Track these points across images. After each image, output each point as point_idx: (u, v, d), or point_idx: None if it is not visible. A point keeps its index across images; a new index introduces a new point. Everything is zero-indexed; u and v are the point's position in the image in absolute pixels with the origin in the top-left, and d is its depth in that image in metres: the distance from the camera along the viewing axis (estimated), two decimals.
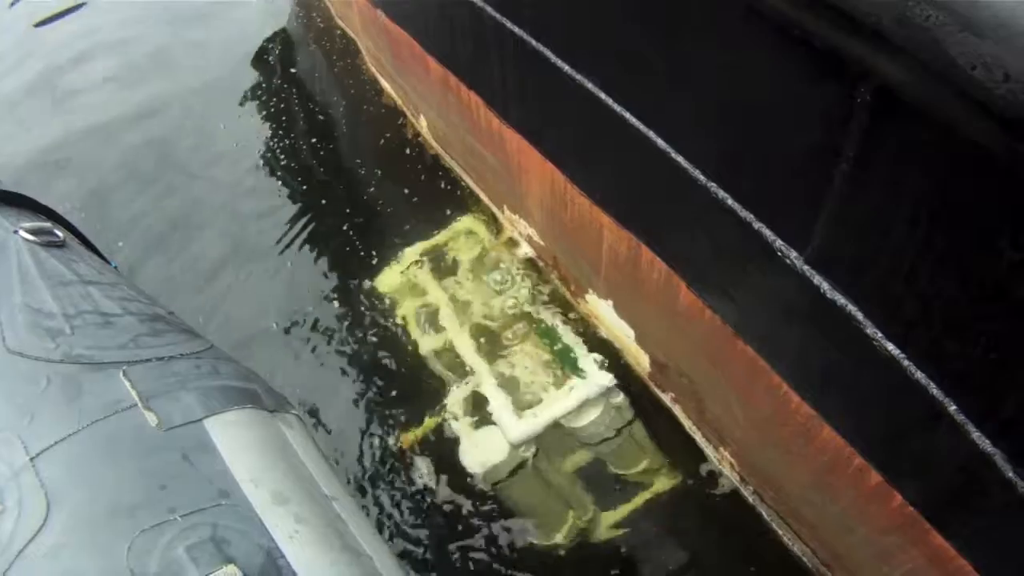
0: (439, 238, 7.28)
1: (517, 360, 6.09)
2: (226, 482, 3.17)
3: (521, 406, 5.75)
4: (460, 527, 5.71)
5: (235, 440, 3.42)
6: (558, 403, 5.65)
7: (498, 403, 5.79)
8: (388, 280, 7.02)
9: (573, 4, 4.12)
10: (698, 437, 5.51)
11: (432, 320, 6.68)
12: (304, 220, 8.01)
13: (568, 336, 6.14)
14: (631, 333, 5.51)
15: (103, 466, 3.12)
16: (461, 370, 6.32)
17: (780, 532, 5.09)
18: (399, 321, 6.79)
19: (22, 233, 4.49)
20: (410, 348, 6.62)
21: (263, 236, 7.90)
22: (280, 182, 8.49)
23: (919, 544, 3.49)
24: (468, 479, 5.76)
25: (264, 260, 7.63)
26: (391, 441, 6.16)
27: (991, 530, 3.14)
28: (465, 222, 7.36)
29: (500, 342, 6.43)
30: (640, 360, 5.64)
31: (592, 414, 5.63)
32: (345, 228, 7.64)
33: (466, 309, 6.60)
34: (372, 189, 8.11)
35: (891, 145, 2.58)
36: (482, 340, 6.35)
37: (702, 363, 4.74)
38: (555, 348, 6.13)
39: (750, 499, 5.23)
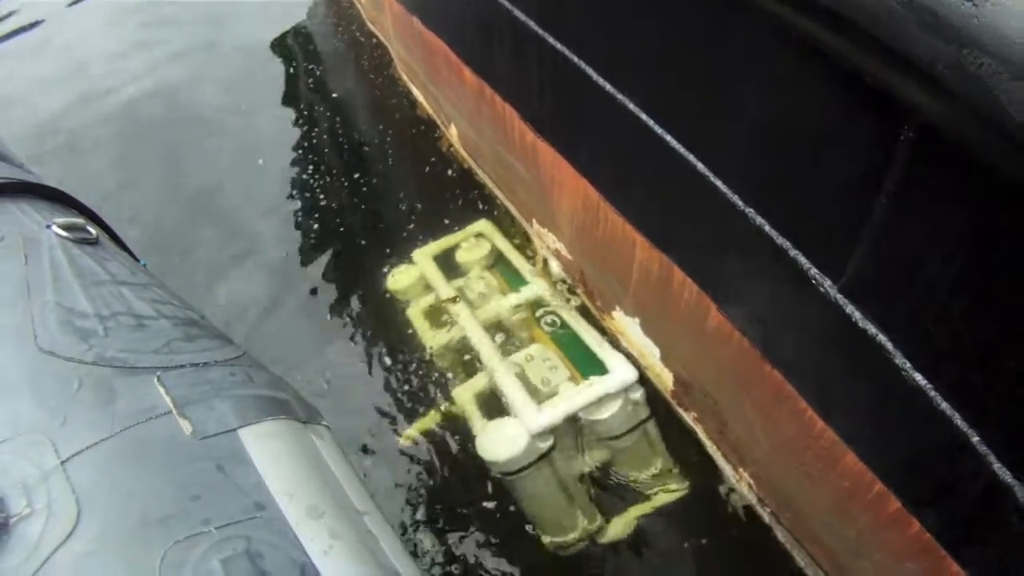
0: (451, 239, 7.31)
1: (533, 355, 6.00)
2: (261, 494, 3.13)
3: (538, 399, 5.65)
4: (464, 521, 5.78)
5: (269, 451, 3.38)
6: (580, 395, 5.51)
7: (515, 394, 5.65)
8: (399, 279, 7.05)
9: (618, 24, 4.13)
10: (718, 456, 5.50)
11: (442, 317, 6.71)
12: (323, 226, 8.15)
13: (588, 333, 6.04)
14: (656, 352, 5.51)
15: (136, 474, 3.08)
16: (472, 366, 6.35)
17: (795, 555, 5.08)
18: (408, 318, 6.85)
19: (55, 228, 4.45)
20: (419, 345, 6.67)
21: (287, 245, 8.07)
22: (302, 190, 8.54)
23: (935, 572, 3.48)
24: (475, 473, 5.77)
25: (279, 264, 7.75)
26: (396, 438, 6.23)
27: (1007, 560, 3.14)
28: (478, 225, 7.39)
29: (514, 339, 6.45)
30: (663, 378, 5.64)
31: (612, 407, 5.50)
32: (364, 236, 7.69)
33: (478, 306, 6.60)
34: (395, 194, 8.16)
35: (933, 183, 2.59)
36: (496, 336, 6.33)
37: (728, 384, 4.75)
38: (574, 345, 6.08)
39: (767, 519, 5.23)
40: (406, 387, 6.72)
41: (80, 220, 4.82)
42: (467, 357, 6.49)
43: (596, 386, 5.51)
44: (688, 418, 5.65)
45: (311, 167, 8.89)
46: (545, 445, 5.44)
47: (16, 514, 2.89)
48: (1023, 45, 2.00)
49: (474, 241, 7.21)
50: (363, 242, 7.77)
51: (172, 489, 3.06)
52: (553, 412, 5.44)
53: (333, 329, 7.26)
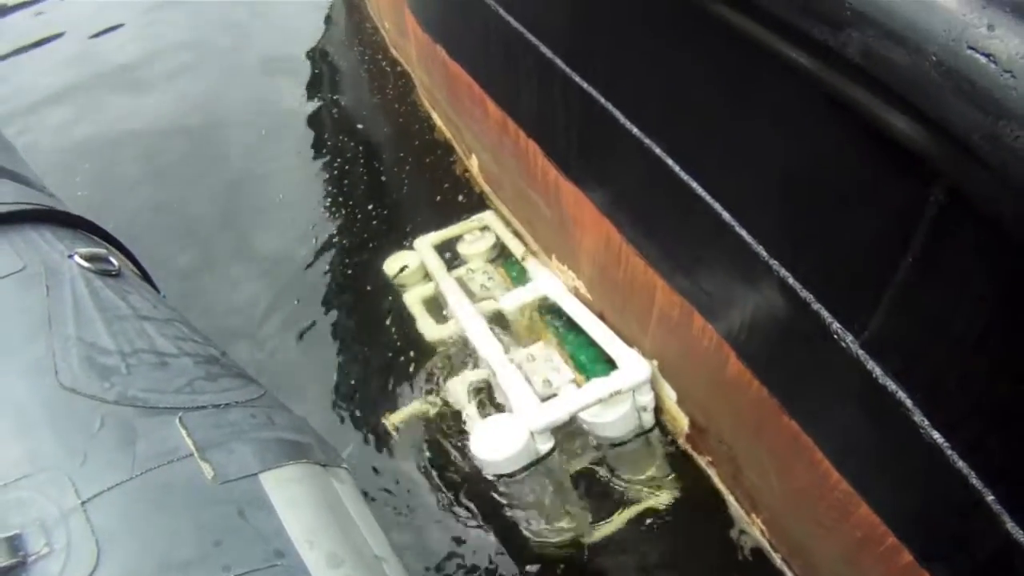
0: (455, 228, 7.29)
1: (535, 355, 5.88)
2: (281, 541, 3.13)
3: (540, 396, 5.44)
4: (447, 516, 5.74)
5: (290, 497, 3.37)
6: (586, 391, 5.33)
7: (514, 388, 5.45)
8: (396, 266, 7.00)
9: (647, 68, 4.15)
10: (730, 500, 5.49)
11: (440, 307, 6.66)
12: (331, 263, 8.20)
13: (598, 329, 5.90)
14: (673, 395, 5.48)
15: (157, 517, 3.09)
16: (469, 357, 6.29)
17: None
18: (404, 305, 6.83)
19: (77, 259, 4.45)
20: (414, 334, 6.66)
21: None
22: (315, 224, 8.53)
23: None
24: (462, 467, 5.78)
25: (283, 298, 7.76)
26: (382, 423, 6.20)
27: None
28: (484, 217, 7.36)
29: (515, 334, 6.39)
30: (679, 421, 5.60)
31: (619, 410, 5.37)
32: (371, 282, 7.65)
33: (478, 298, 6.55)
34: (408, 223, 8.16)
35: (960, 247, 2.59)
36: (495, 330, 6.19)
37: (744, 432, 4.73)
38: (580, 346, 6.01)
39: (778, 564, 5.21)
40: (398, 374, 6.71)
41: (102, 250, 4.81)
42: (465, 349, 6.40)
43: (605, 382, 5.36)
44: (702, 462, 5.62)
45: (329, 199, 8.88)
46: (545, 448, 5.26)
47: (35, 553, 2.89)
48: None
49: (478, 233, 7.17)
50: (369, 288, 7.63)
51: (193, 534, 3.06)
52: (556, 409, 5.26)
53: (338, 348, 7.23)
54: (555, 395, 5.51)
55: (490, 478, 5.37)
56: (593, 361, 5.87)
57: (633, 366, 5.47)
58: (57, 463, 3.20)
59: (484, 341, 5.99)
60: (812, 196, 3.29)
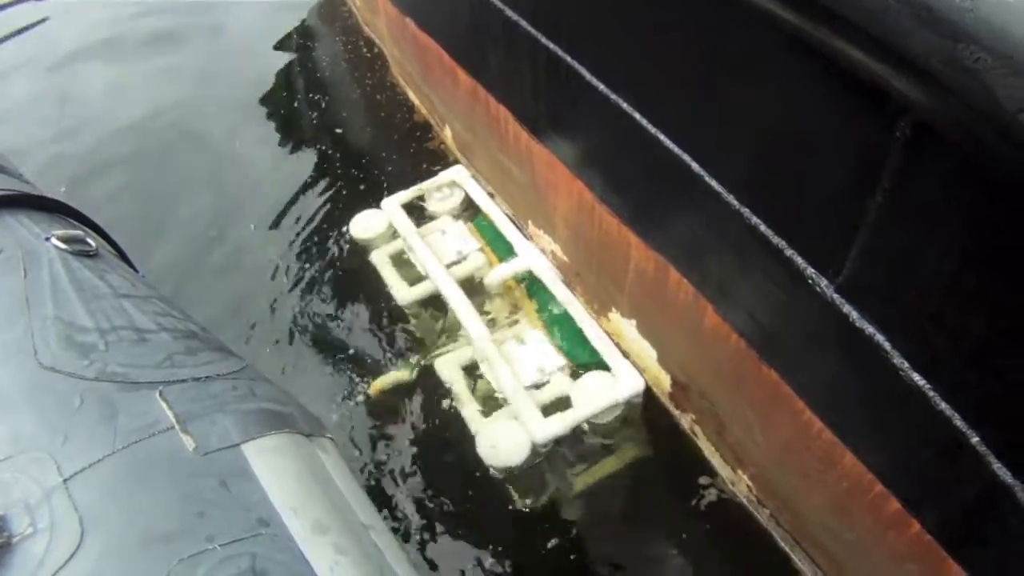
0: (422, 186, 7.14)
1: (524, 339, 5.89)
2: (265, 510, 3.12)
3: (527, 385, 5.51)
4: (432, 480, 5.87)
5: (274, 466, 3.37)
6: (588, 405, 5.30)
7: (516, 396, 5.39)
8: (364, 226, 6.87)
9: (610, 24, 4.14)
10: (715, 458, 5.51)
11: (413, 269, 6.57)
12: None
13: (586, 323, 5.78)
14: (653, 353, 5.50)
15: (139, 491, 3.07)
16: (450, 329, 6.33)
17: (793, 555, 5.08)
18: (373, 267, 6.76)
19: (54, 241, 4.42)
20: (387, 297, 6.62)
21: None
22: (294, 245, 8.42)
23: (935, 572, 3.49)
24: (445, 431, 5.91)
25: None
26: (362, 390, 6.28)
27: (1007, 560, 3.14)
28: (452, 172, 7.18)
29: (494, 307, 6.38)
30: (660, 380, 5.63)
31: (613, 412, 5.37)
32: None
33: (453, 263, 6.46)
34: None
35: (928, 180, 2.60)
36: (473, 301, 6.09)
37: (725, 386, 4.76)
38: (564, 325, 5.93)
39: (764, 521, 5.23)
40: (376, 340, 6.80)
41: (79, 232, 4.79)
42: (438, 306, 6.45)
43: (605, 395, 5.34)
44: (685, 420, 5.64)
45: (305, 181, 8.84)
46: (546, 450, 5.29)
47: (19, 533, 2.88)
48: (1019, 39, 2.01)
49: (447, 191, 7.07)
50: (342, 259, 7.72)
51: (176, 506, 3.06)
52: (560, 424, 5.26)
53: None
54: (547, 382, 5.60)
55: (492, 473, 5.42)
56: (576, 341, 5.82)
57: (629, 378, 5.44)
58: (38, 443, 3.18)
59: (472, 327, 5.90)
60: (779, 141, 3.30)
